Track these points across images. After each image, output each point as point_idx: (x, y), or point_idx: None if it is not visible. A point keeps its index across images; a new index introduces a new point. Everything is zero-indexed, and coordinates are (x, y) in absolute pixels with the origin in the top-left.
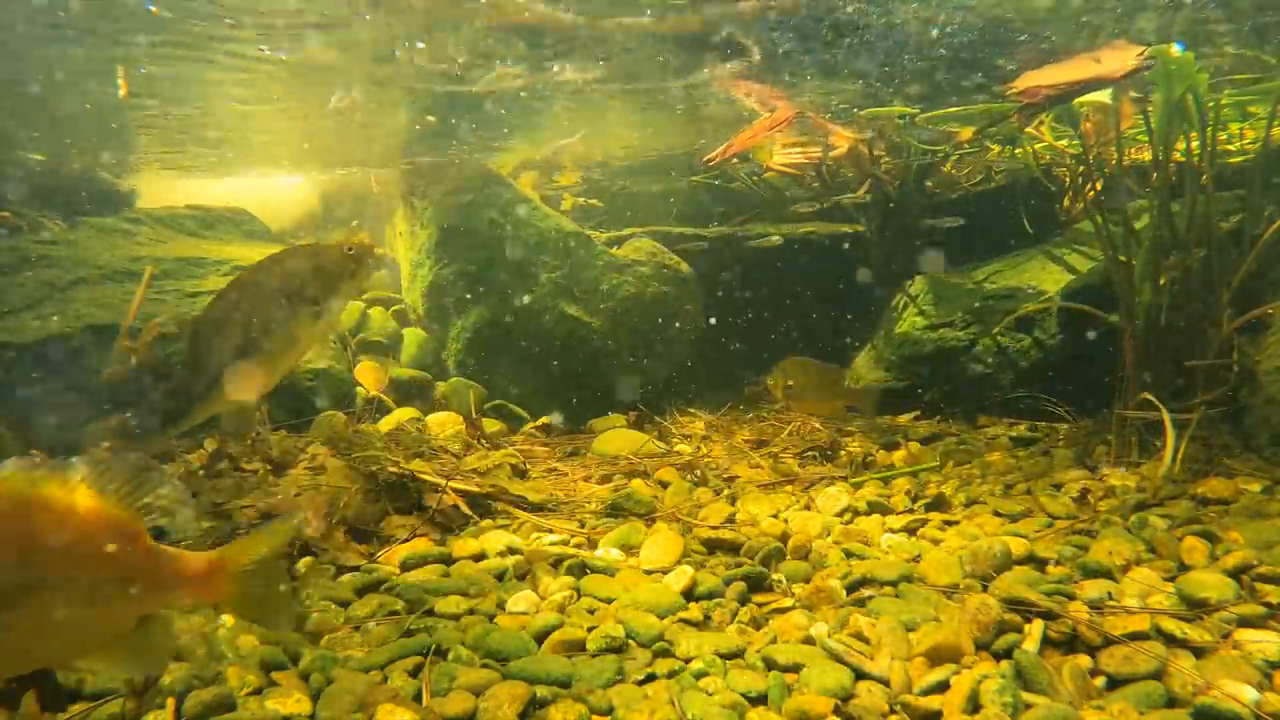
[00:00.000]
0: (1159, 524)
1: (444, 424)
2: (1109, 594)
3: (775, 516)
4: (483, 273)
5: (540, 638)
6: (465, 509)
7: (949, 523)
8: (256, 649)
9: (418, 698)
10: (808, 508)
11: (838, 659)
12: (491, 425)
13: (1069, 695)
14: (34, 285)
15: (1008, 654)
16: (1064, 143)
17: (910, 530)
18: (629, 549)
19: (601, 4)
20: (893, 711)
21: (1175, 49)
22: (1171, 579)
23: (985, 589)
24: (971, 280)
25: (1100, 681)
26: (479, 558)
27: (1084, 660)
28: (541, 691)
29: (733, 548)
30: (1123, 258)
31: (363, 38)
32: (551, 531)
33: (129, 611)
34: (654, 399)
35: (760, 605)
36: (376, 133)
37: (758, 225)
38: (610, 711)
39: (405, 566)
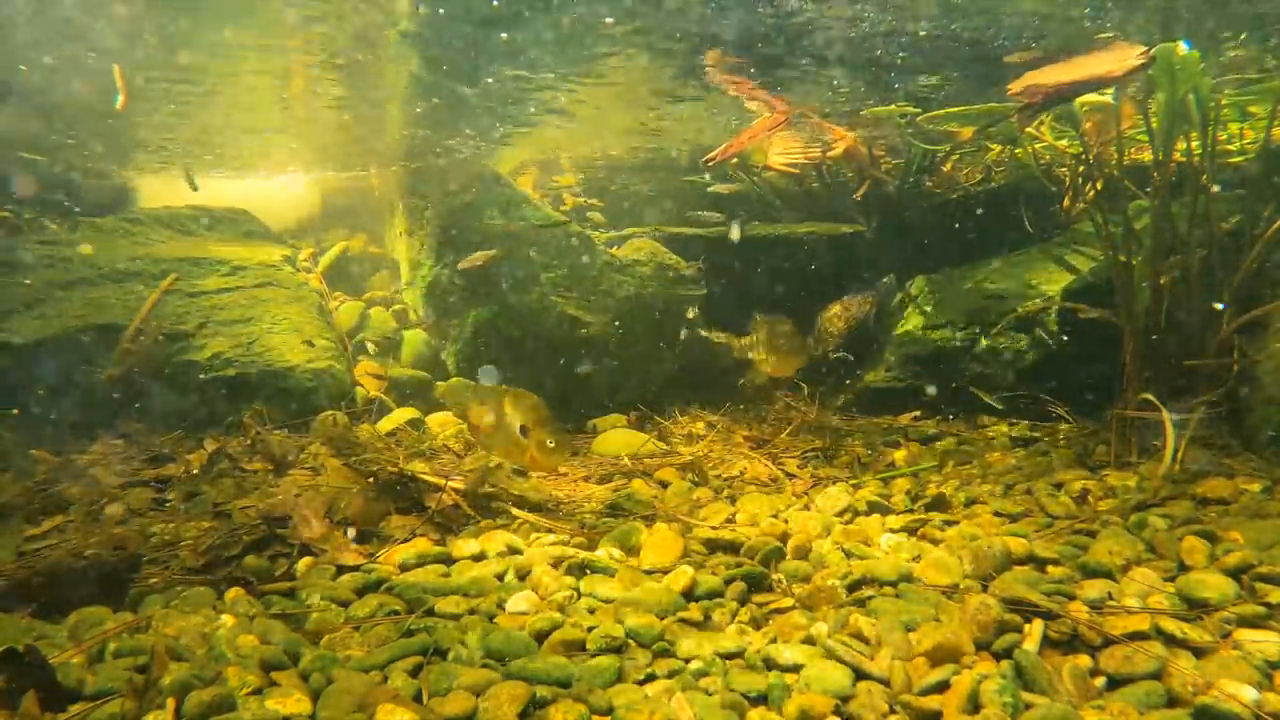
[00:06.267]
0: (1159, 524)
1: (444, 424)
2: (1109, 594)
3: (775, 516)
4: (482, 272)
5: (540, 638)
6: (465, 509)
7: (949, 523)
8: (256, 649)
9: (418, 698)
10: (808, 508)
11: (838, 659)
12: None
13: (1069, 695)
14: (34, 285)
15: (1008, 654)
16: (1064, 143)
17: (910, 530)
18: (629, 549)
19: None
20: (893, 711)
21: (1181, 47)
22: (1171, 579)
23: (985, 589)
24: (971, 280)
25: (1100, 681)
26: (479, 558)
27: (1084, 660)
28: (541, 691)
29: (733, 548)
30: (1123, 258)
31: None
32: (551, 531)
33: None
34: (654, 399)
35: (760, 605)
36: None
37: (759, 225)
38: (610, 711)
39: (405, 566)
